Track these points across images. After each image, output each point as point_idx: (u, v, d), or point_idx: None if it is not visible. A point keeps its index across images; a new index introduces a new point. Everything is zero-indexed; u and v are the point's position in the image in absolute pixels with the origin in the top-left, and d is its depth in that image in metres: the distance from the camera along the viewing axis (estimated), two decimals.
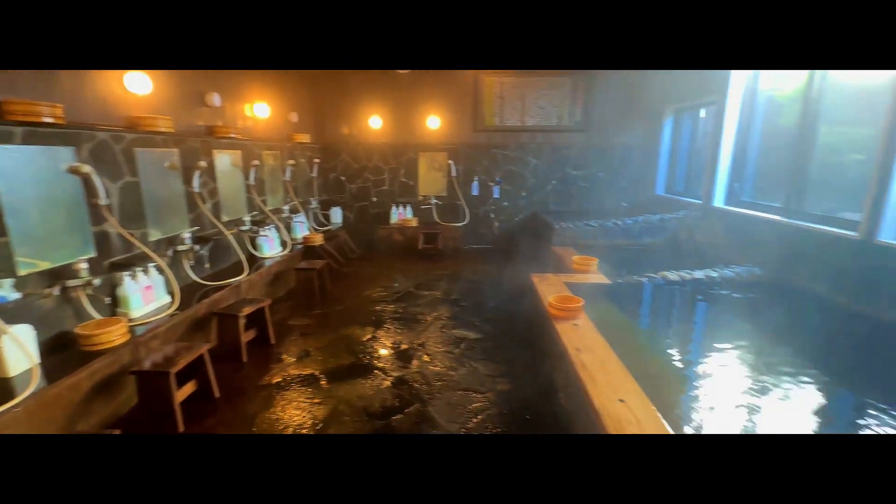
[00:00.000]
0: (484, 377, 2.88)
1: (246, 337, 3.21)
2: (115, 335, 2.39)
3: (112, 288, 2.76)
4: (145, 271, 2.92)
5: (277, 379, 2.85)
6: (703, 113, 5.49)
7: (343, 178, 6.82)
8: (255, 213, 4.57)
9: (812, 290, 3.54)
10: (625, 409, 1.93)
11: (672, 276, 3.91)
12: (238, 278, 3.63)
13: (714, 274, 3.92)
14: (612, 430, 1.79)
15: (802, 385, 2.47)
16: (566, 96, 6.35)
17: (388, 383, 2.79)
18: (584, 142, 6.48)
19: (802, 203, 3.94)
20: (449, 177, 6.63)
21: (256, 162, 4.46)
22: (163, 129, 3.16)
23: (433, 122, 6.51)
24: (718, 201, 4.87)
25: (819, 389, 2.43)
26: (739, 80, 4.59)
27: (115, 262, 2.79)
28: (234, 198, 4.26)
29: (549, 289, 3.45)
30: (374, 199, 6.85)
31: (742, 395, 2.37)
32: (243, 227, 4.21)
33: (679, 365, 2.78)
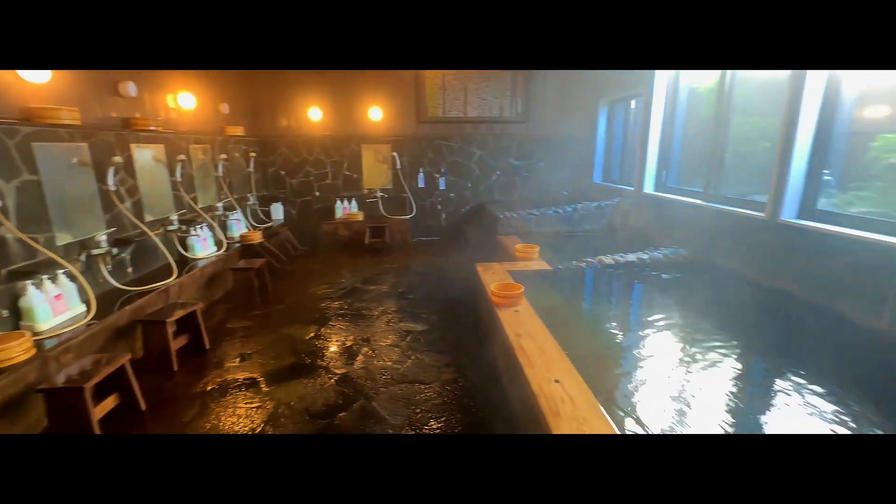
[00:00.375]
0: (430, 368, 2.89)
1: (176, 344, 3.01)
2: (15, 351, 2.16)
3: (14, 299, 2.48)
4: (53, 279, 2.65)
5: (212, 385, 2.70)
6: (633, 104, 5.80)
7: (283, 173, 6.55)
8: (183, 211, 4.27)
9: (729, 267, 3.86)
10: (559, 389, 2.02)
11: (607, 260, 4.11)
12: (166, 282, 3.39)
13: (645, 256, 4.17)
14: (546, 410, 1.87)
15: (723, 355, 2.69)
16: (506, 88, 6.46)
17: (331, 381, 2.73)
18: (525, 133, 6.63)
19: (719, 187, 4.27)
20: (394, 169, 6.55)
21: (183, 157, 4.17)
22: (67, 122, 2.86)
23: (375, 113, 6.39)
24: (648, 188, 5.18)
25: (737, 358, 2.66)
26: (663, 73, 4.88)
27: (14, 270, 2.50)
28: (158, 195, 3.96)
29: (493, 277, 3.51)
30: (318, 194, 6.64)
31: (671, 367, 2.55)
32: (171, 227, 3.93)
33: (614, 343, 2.94)
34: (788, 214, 3.29)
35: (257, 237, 4.97)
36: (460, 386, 2.67)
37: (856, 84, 3.05)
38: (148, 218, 3.75)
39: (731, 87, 4.09)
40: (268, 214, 6.24)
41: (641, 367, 2.60)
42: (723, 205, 4.02)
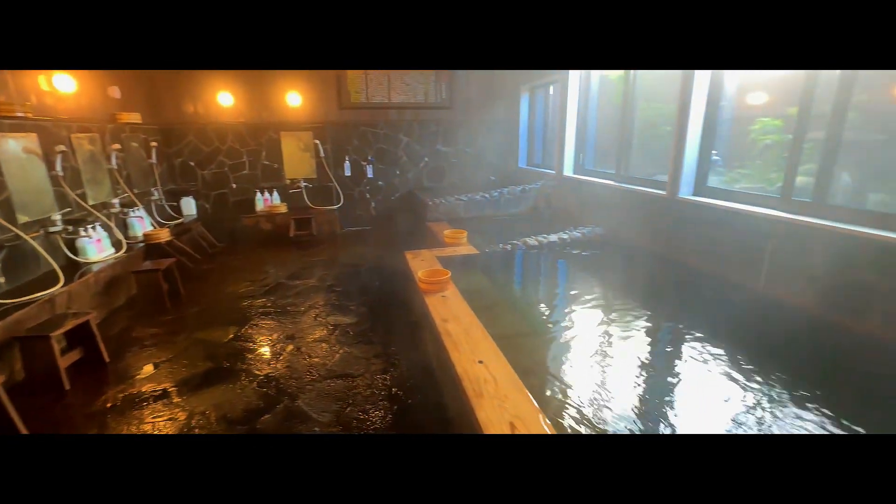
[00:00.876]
0: (359, 360, 2.83)
1: (67, 360, 2.67)
2: None
3: None
4: None
5: (113, 402, 2.44)
6: (551, 90, 6.02)
7: (192, 164, 6.00)
8: (68, 209, 3.76)
9: (638, 242, 4.19)
10: (483, 370, 2.07)
11: (531, 241, 4.27)
12: (49, 291, 2.98)
13: (565, 236, 4.39)
14: (470, 391, 1.90)
15: (637, 323, 2.92)
16: (430, 74, 6.40)
17: (252, 384, 2.58)
18: (450, 118, 6.65)
19: (629, 169, 4.59)
20: (317, 157, 6.27)
21: (63, 147, 3.65)
22: None
23: (294, 99, 6.04)
24: (568, 170, 5.44)
25: (647, 323, 2.90)
26: None
27: None
28: (34, 192, 3.44)
29: (422, 264, 3.51)
30: (234, 186, 6.18)
31: (590, 338, 2.72)
32: (53, 228, 3.44)
33: (538, 321, 3.08)
34: (685, 192, 3.62)
35: (165, 235, 4.53)
36: (391, 376, 2.65)
37: (736, 75, 3.39)
38: (22, 219, 3.25)
39: (636, 75, 4.37)
40: (177, 210, 5.70)
41: (563, 341, 2.75)
42: (632, 185, 4.33)
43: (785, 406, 2.03)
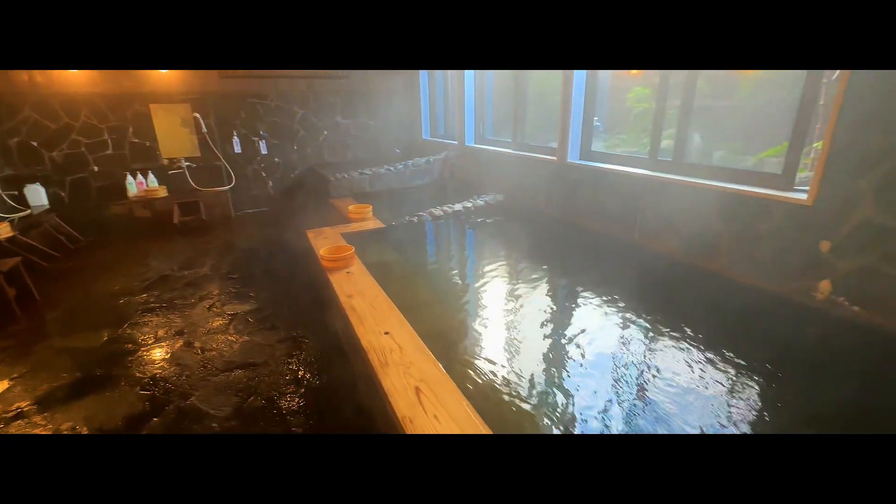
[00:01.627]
0: (262, 348, 2.67)
1: None
2: None
3: None
4: None
5: None
6: None
7: (35, 144, 5.01)
8: None
9: (535, 207, 4.44)
10: (388, 340, 2.07)
11: (437, 211, 4.32)
12: None
13: (469, 205, 4.50)
14: (376, 361, 1.90)
15: (536, 282, 3.11)
16: None
17: (134, 389, 2.31)
18: (349, 89, 6.34)
19: (524, 137, 4.80)
20: (199, 133, 5.61)
21: None
22: None
23: None
24: (470, 140, 5.53)
25: (545, 281, 3.11)
26: None
27: None
28: None
29: (325, 242, 3.36)
30: (96, 169, 5.31)
31: (495, 299, 2.85)
32: None
33: (446, 288, 3.15)
34: (573, 156, 3.89)
35: (4, 231, 3.77)
36: (298, 359, 2.54)
37: None
38: None
39: None
40: (21, 200, 4.77)
41: (470, 305, 2.85)
42: (527, 152, 4.54)
43: (661, 335, 2.34)
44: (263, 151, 6.06)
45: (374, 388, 1.84)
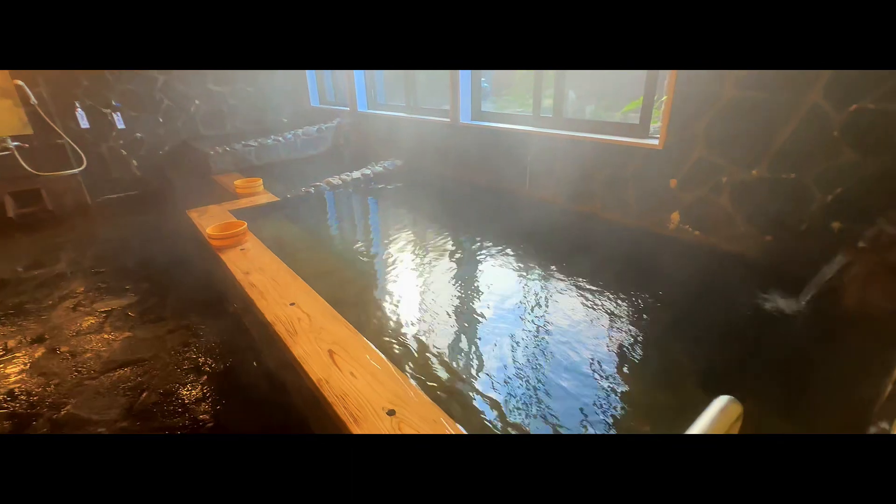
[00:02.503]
0: (149, 342, 2.41)
1: None
2: None
3: None
4: None
5: None
6: None
7: None
8: None
9: (433, 169, 4.52)
10: (295, 310, 2.01)
11: (335, 180, 4.17)
12: None
13: (368, 172, 4.42)
14: (283, 332, 1.84)
15: (440, 241, 3.21)
16: None
17: None
18: None
19: (417, 100, 4.79)
20: (28, 105, 4.60)
21: None
22: None
23: None
24: (362, 106, 5.36)
25: (448, 239, 3.22)
26: None
27: None
28: None
29: (211, 220, 3.08)
30: None
31: (402, 262, 2.89)
32: None
33: (352, 255, 3.10)
34: (465, 118, 4.00)
35: None
36: (196, 347, 2.34)
37: None
38: None
39: None
40: None
41: (377, 269, 2.86)
42: (421, 115, 4.55)
43: (552, 275, 2.60)
44: (120, 126, 5.20)
45: (285, 358, 1.80)
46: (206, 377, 2.13)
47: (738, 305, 2.19)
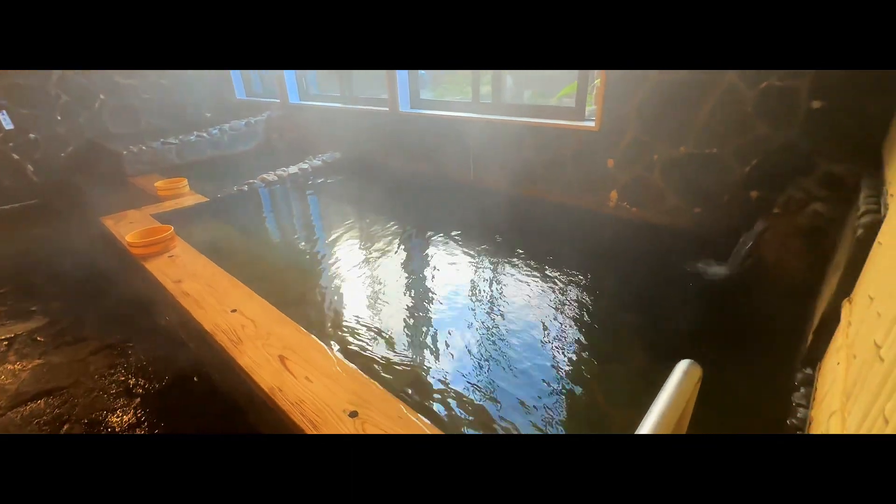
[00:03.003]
0: (67, 366, 2.13)
1: None
2: None
3: None
4: None
5: None
6: None
7: None
8: None
9: (374, 159, 4.40)
10: (237, 317, 1.86)
11: (270, 177, 3.93)
12: None
13: (305, 166, 4.21)
14: (227, 341, 1.70)
15: (388, 233, 3.12)
16: None
17: None
18: None
19: (353, 90, 4.62)
20: None
21: None
22: None
23: None
24: (294, 98, 5.08)
25: (397, 230, 3.14)
26: None
27: None
28: None
29: (132, 227, 2.77)
30: None
31: (351, 256, 2.78)
32: None
33: (297, 253, 2.94)
34: (404, 106, 3.92)
35: None
36: (125, 367, 2.11)
37: None
38: None
39: None
40: None
41: (326, 266, 2.73)
42: (358, 105, 4.40)
43: (500, 258, 2.62)
44: (7, 126, 4.53)
45: (231, 369, 1.66)
46: (139, 400, 1.92)
47: (675, 274, 2.34)
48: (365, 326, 2.09)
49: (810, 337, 1.46)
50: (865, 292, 1.09)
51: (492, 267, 2.60)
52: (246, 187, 3.71)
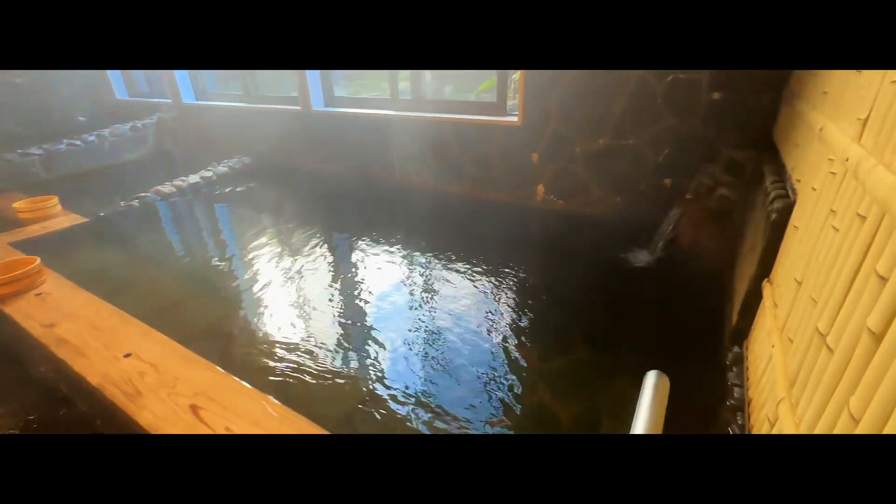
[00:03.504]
0: None
1: None
2: None
3: None
4: None
5: None
6: None
7: None
8: None
9: (290, 163, 4.07)
10: (132, 362, 1.55)
11: (166, 188, 3.44)
12: None
13: (209, 174, 3.76)
14: (121, 396, 1.40)
15: (313, 242, 2.86)
16: None
17: None
18: None
19: (259, 88, 4.22)
20: None
21: None
22: None
23: None
24: (189, 97, 4.52)
25: (323, 241, 2.89)
26: None
27: None
28: None
29: None
30: None
31: (272, 272, 2.49)
32: None
33: (206, 276, 2.58)
34: (317, 104, 3.64)
35: None
36: None
37: None
38: None
39: None
40: None
41: (243, 286, 2.42)
42: (266, 104, 4.02)
43: (432, 259, 2.52)
44: None
45: (129, 429, 1.37)
46: None
47: (604, 263, 2.42)
48: (295, 351, 1.87)
49: (735, 316, 1.54)
50: (789, 275, 1.15)
51: (423, 269, 2.49)
52: (136, 202, 3.21)
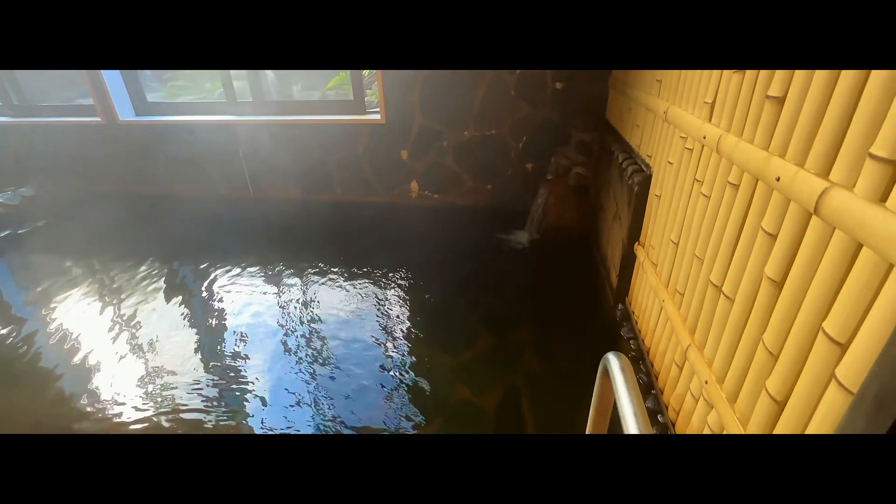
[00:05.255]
0: None
1: None
2: None
3: None
4: None
5: None
6: None
7: None
8: None
9: (95, 190, 3.24)
10: None
11: None
12: None
13: None
14: None
15: (152, 280, 2.31)
16: None
17: None
18: None
19: (28, 96, 3.22)
20: None
21: None
22: None
23: None
24: None
25: (163, 279, 2.36)
26: None
27: None
28: None
29: None
30: None
31: (89, 325, 1.93)
32: None
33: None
34: (126, 114, 2.95)
35: None
36: None
37: None
38: None
39: None
40: None
41: (53, 352, 1.83)
42: (43, 117, 3.10)
43: (308, 274, 2.29)
44: None
45: None
46: None
47: (488, 250, 2.53)
48: (148, 418, 1.49)
49: (615, 279, 1.76)
50: (664, 237, 1.34)
51: (300, 287, 2.26)
52: None
